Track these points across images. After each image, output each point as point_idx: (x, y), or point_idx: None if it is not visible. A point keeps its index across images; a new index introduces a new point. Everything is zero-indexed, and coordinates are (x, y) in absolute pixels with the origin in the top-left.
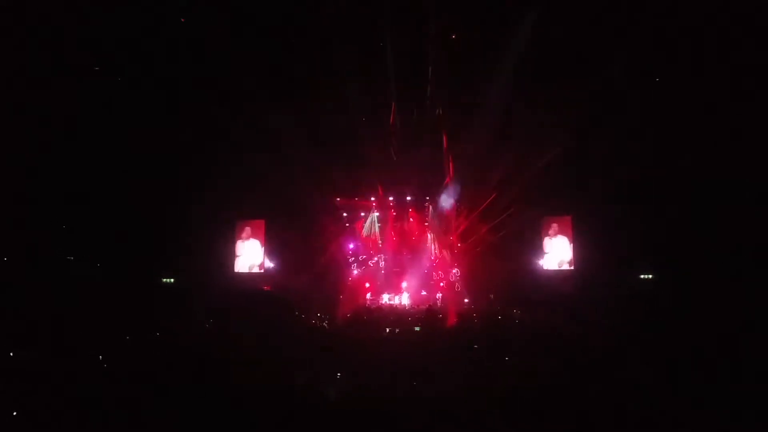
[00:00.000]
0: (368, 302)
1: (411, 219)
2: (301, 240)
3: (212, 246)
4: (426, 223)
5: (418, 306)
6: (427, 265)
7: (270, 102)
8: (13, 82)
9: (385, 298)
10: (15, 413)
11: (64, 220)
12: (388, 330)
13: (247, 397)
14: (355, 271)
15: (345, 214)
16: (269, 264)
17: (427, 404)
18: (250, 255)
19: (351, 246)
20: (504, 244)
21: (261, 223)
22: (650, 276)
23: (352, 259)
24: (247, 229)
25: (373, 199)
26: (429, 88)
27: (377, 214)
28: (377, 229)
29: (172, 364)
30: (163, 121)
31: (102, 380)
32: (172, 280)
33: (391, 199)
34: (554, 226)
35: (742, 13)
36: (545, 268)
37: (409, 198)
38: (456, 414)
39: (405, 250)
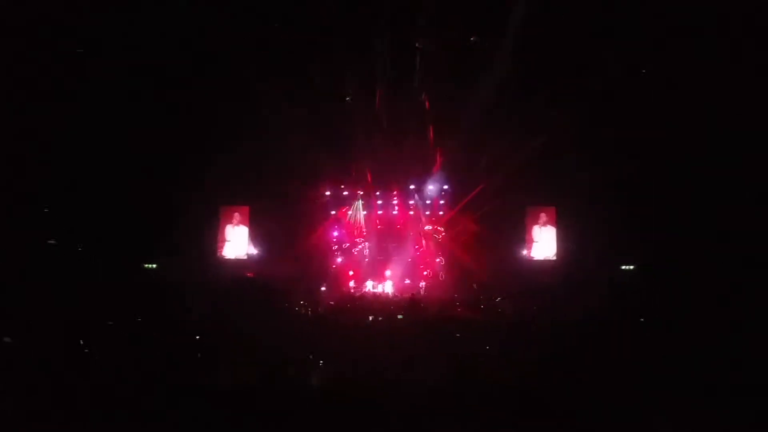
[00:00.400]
0: (352, 290)
1: (396, 207)
2: (285, 227)
3: (195, 232)
4: (411, 212)
5: (401, 294)
6: (412, 253)
7: (254, 87)
8: None
9: (369, 286)
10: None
11: (44, 203)
12: (371, 318)
13: (229, 387)
14: (339, 259)
15: (329, 202)
16: (253, 251)
17: (410, 393)
18: (235, 241)
19: (335, 233)
20: (488, 234)
21: (245, 210)
22: (631, 267)
23: (335, 247)
24: (231, 216)
25: (358, 186)
26: (416, 76)
27: (362, 201)
28: (362, 217)
29: (158, 354)
30: (145, 106)
31: (86, 370)
32: (154, 265)
33: (376, 186)
34: (538, 216)
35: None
36: (528, 258)
37: (394, 186)
38: (439, 404)
39: (389, 238)
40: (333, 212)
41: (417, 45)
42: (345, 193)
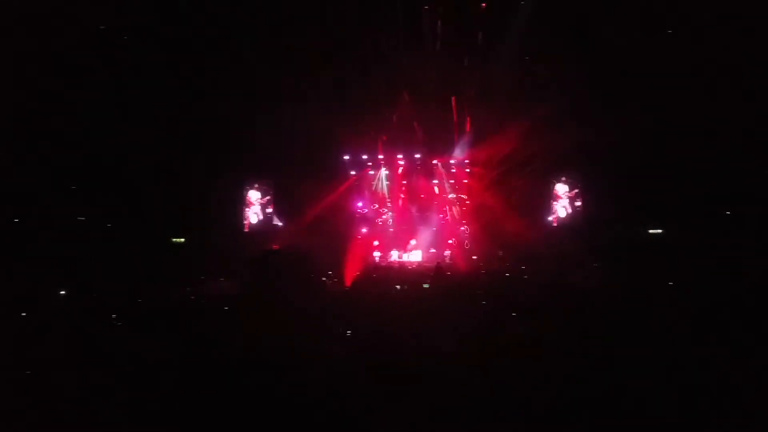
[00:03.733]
0: (377, 260)
1: (420, 176)
2: (310, 197)
3: (221, 205)
4: (435, 180)
5: (427, 263)
6: (436, 222)
7: (278, 57)
8: None
9: (394, 256)
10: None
11: (72, 179)
12: (398, 287)
13: (254, 359)
14: (364, 229)
15: (354, 171)
16: (278, 222)
17: (437, 362)
18: (260, 213)
19: (360, 203)
20: (513, 201)
21: (270, 181)
22: (659, 231)
23: (360, 217)
24: (256, 187)
25: (382, 155)
26: (440, 42)
27: (386, 170)
28: (386, 186)
29: (191, 328)
30: (168, 78)
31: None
32: (182, 240)
33: (400, 155)
34: (564, 182)
35: None
36: (554, 224)
37: (418, 154)
38: (465, 373)
39: (414, 207)
40: (357, 182)
41: (442, 9)
42: (369, 163)
